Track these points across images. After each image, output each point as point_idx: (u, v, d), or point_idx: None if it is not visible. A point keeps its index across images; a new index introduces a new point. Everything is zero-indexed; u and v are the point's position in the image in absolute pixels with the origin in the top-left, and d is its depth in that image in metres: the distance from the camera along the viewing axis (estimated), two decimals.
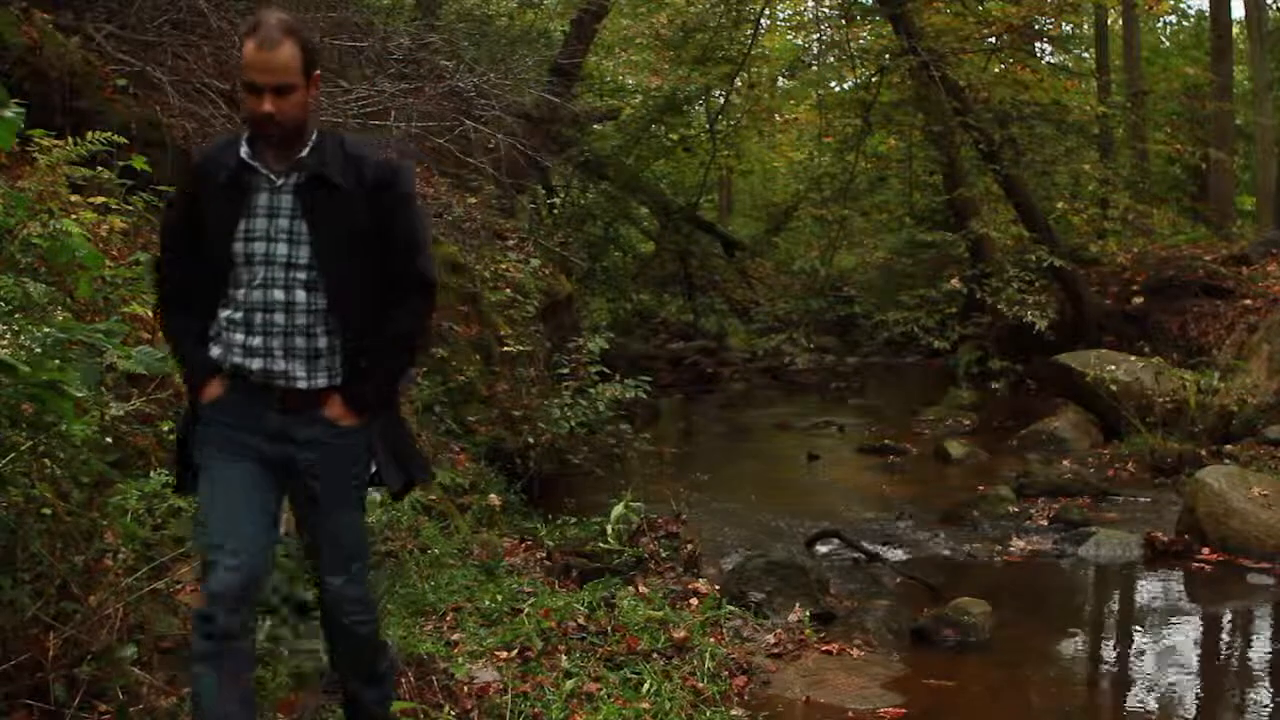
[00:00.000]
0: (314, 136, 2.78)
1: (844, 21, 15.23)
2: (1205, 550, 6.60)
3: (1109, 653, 5.39)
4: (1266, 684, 4.74)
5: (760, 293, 20.21)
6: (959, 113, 12.40)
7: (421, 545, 5.12)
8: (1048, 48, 18.48)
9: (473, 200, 9.25)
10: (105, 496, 3.42)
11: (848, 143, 15.00)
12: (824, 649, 4.92)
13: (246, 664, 2.78)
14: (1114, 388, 10.04)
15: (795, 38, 20.01)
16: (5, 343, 3.07)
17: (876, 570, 6.50)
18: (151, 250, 4.17)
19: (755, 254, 20.59)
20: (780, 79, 21.32)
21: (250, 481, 2.77)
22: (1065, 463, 9.47)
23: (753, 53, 16.25)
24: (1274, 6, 19.47)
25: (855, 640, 5.09)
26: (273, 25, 2.67)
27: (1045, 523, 7.59)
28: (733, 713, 4.09)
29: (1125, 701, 4.57)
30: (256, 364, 2.76)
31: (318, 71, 2.77)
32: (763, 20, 16.30)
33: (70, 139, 4.44)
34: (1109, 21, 19.03)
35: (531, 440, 7.47)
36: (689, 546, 6.10)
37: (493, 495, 6.61)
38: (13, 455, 2.97)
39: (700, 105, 19.06)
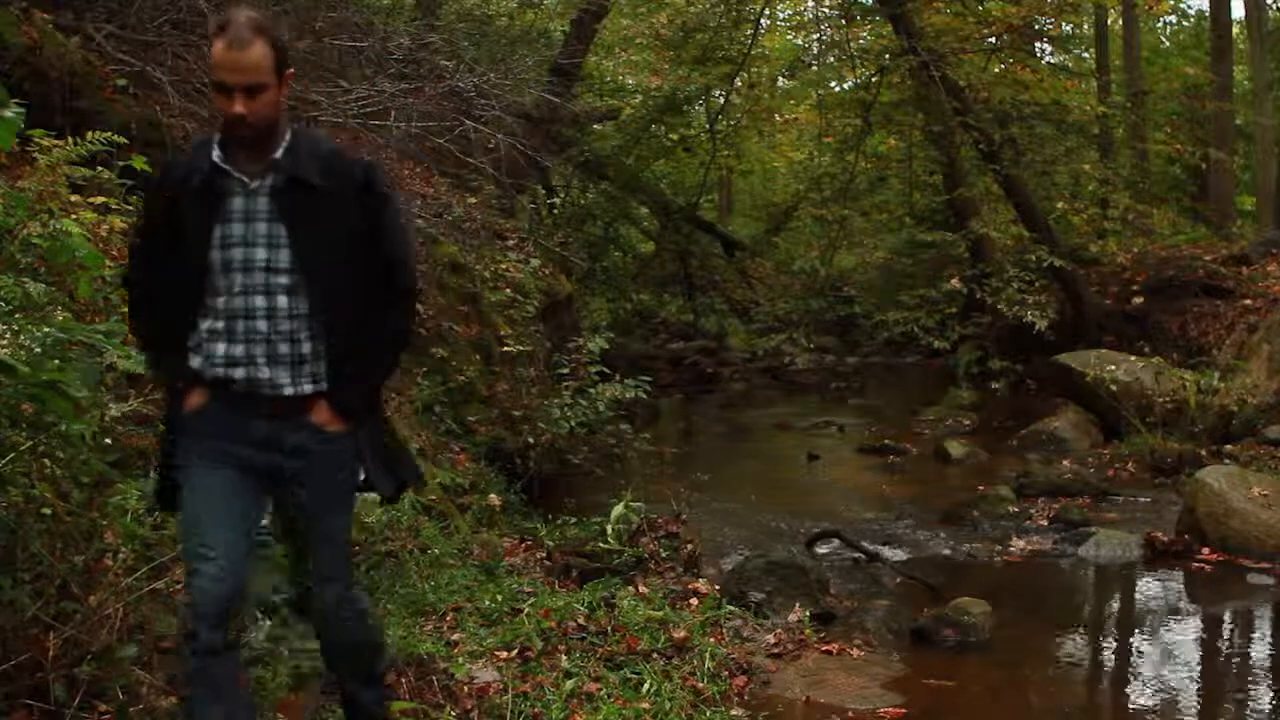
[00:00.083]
0: (287, 136, 2.71)
1: (844, 21, 15.23)
2: (1205, 550, 6.60)
3: (1109, 653, 5.39)
4: (1266, 684, 4.74)
5: (760, 293, 20.22)
6: (959, 113, 12.40)
7: (421, 545, 5.12)
8: (1048, 48, 18.50)
9: (473, 200, 9.25)
10: (105, 496, 3.42)
11: (848, 143, 15.00)
12: (824, 649, 4.92)
13: (236, 676, 2.75)
14: (1114, 388, 10.04)
15: (795, 38, 20.03)
16: (5, 343, 3.07)
17: (876, 570, 6.50)
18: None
19: (755, 254, 20.60)
20: (780, 79, 21.33)
21: (231, 489, 2.72)
22: (1065, 463, 9.47)
23: (753, 53, 16.25)
24: (1274, 6, 19.48)
25: (855, 640, 5.09)
26: (242, 23, 2.58)
27: (1045, 523, 7.59)
28: (733, 713, 4.08)
29: (1125, 701, 4.57)
30: (239, 373, 2.71)
31: (290, 70, 2.70)
32: (763, 20, 16.31)
33: (70, 139, 4.44)
34: (1109, 21, 19.03)
35: (531, 440, 7.48)
36: (689, 546, 6.10)
37: (493, 495, 6.62)
38: (12, 455, 2.97)
39: (700, 105, 19.07)
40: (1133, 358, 10.91)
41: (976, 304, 13.52)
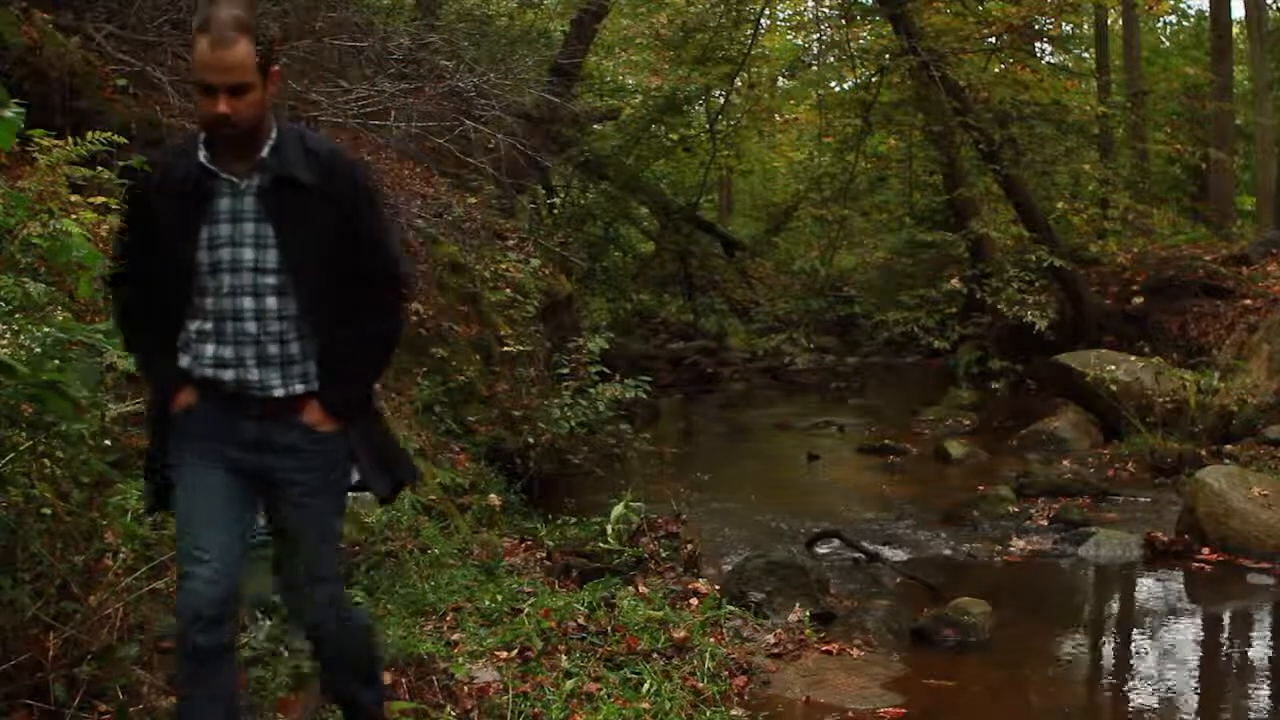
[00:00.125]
0: (274, 134, 2.66)
1: (844, 21, 15.23)
2: (1205, 550, 6.60)
3: (1109, 653, 5.39)
4: (1266, 684, 4.74)
5: (760, 293, 20.21)
6: (959, 113, 12.40)
7: (421, 545, 5.12)
8: (1048, 48, 18.49)
9: (473, 200, 9.25)
10: (105, 496, 3.43)
11: (848, 143, 15.00)
12: (824, 649, 4.92)
13: (231, 679, 2.71)
14: (1114, 388, 10.03)
15: (795, 38, 20.03)
16: (5, 343, 3.07)
17: (876, 570, 6.50)
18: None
19: (755, 254, 20.59)
20: (780, 79, 21.33)
21: (224, 490, 2.69)
22: (1065, 463, 9.46)
23: (753, 53, 16.25)
24: (1274, 6, 19.48)
25: (855, 640, 5.09)
26: (225, 21, 2.51)
27: (1045, 523, 7.59)
28: (733, 713, 4.08)
29: (1125, 701, 4.57)
30: (229, 375, 2.67)
31: (275, 67, 2.64)
32: (763, 20, 16.31)
33: (70, 139, 4.44)
34: (1109, 21, 19.03)
35: (531, 440, 7.47)
36: (689, 546, 6.10)
37: (493, 495, 6.62)
38: (12, 455, 2.97)
39: (700, 105, 19.07)
40: (1133, 358, 10.91)
41: (976, 304, 13.52)
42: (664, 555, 5.98)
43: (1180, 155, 17.53)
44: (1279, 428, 9.13)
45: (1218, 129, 17.53)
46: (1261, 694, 4.59)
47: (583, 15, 14.22)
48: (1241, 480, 6.97)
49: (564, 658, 4.26)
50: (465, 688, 3.84)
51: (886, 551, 6.85)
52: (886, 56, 13.75)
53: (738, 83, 16.98)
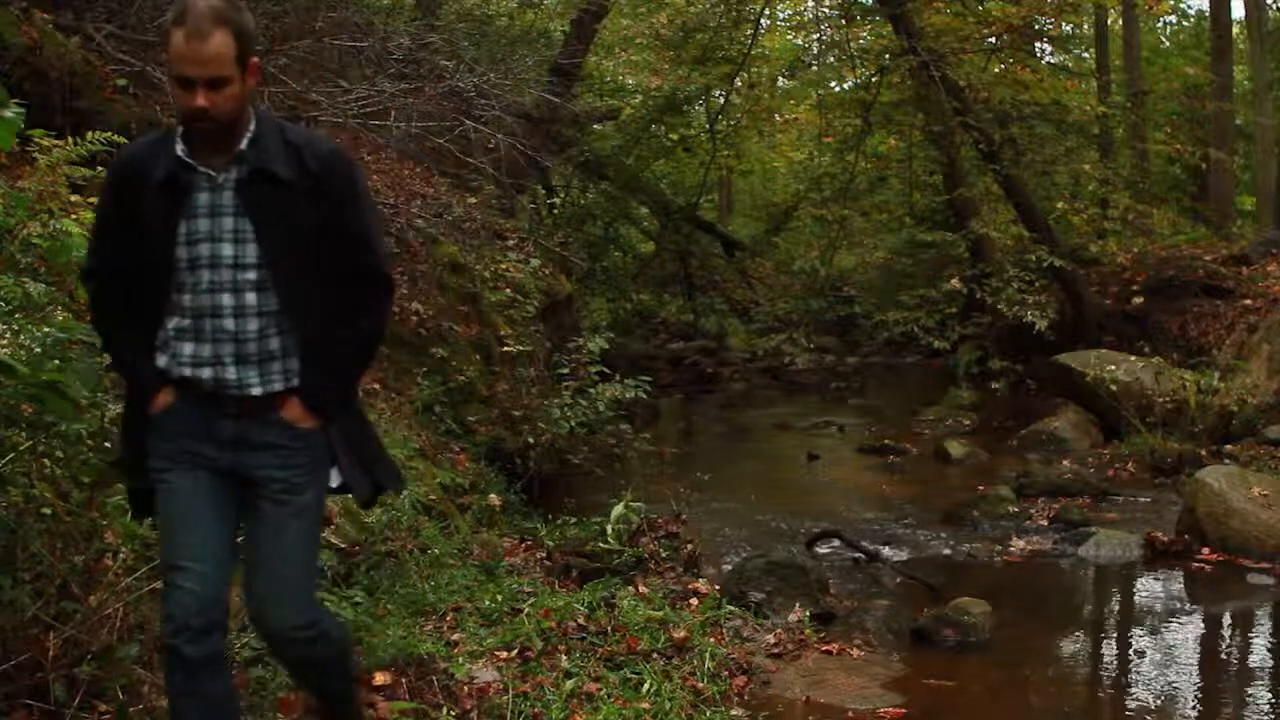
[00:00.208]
0: (252, 127, 2.59)
1: (844, 21, 15.23)
2: (1205, 550, 6.60)
3: (1109, 653, 5.39)
4: (1266, 684, 4.74)
5: (760, 293, 20.22)
6: (959, 113, 12.40)
7: (421, 545, 5.12)
8: (1048, 48, 18.50)
9: (473, 200, 9.25)
10: (105, 496, 3.42)
11: (848, 143, 15.00)
12: (824, 649, 4.91)
13: (223, 687, 2.65)
14: (1114, 388, 10.03)
15: (795, 38, 20.03)
16: (5, 343, 3.07)
17: (876, 570, 6.50)
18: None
19: (755, 254, 20.59)
20: (780, 79, 21.34)
21: (206, 493, 2.62)
22: (1065, 463, 9.46)
23: (753, 53, 16.25)
24: (1274, 6, 19.48)
25: (855, 640, 5.09)
26: (201, 12, 2.44)
27: (1045, 523, 7.59)
28: (733, 713, 4.08)
29: (1125, 701, 4.57)
30: (206, 373, 2.61)
31: (254, 59, 2.56)
32: (763, 20, 16.31)
33: (70, 139, 4.44)
34: (1109, 21, 19.04)
35: (531, 440, 7.47)
36: (689, 546, 6.10)
37: (493, 495, 6.62)
38: (12, 455, 2.97)
39: (700, 105, 19.07)
40: (1133, 358, 10.91)
41: (976, 304, 13.52)
42: (664, 555, 5.98)
43: (1180, 155, 17.53)
44: (1279, 428, 9.14)
45: (1218, 129, 17.53)
46: (1261, 694, 4.59)
47: (583, 15, 14.23)
48: (1241, 480, 6.97)
49: (564, 658, 4.26)
50: (465, 688, 3.84)
51: (886, 551, 6.85)
52: (886, 56, 13.75)
53: (738, 83, 16.98)
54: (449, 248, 8.25)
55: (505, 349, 8.08)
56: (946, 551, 7.02)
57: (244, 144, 2.57)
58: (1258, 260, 12.88)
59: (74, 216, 4.13)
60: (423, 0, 12.64)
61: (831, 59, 17.10)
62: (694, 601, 5.20)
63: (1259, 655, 5.26)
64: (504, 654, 4.20)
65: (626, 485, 6.77)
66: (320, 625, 2.72)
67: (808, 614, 5.26)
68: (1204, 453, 8.87)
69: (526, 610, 4.62)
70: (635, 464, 8.17)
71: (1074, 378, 10.82)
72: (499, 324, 8.23)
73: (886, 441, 10.93)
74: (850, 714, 4.28)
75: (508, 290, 8.51)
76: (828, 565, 6.37)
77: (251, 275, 2.58)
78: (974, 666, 4.90)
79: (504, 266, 8.78)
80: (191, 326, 2.60)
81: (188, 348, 2.61)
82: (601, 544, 5.98)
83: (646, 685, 4.09)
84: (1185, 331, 12.02)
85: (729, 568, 6.07)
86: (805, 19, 17.72)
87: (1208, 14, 18.71)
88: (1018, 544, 7.04)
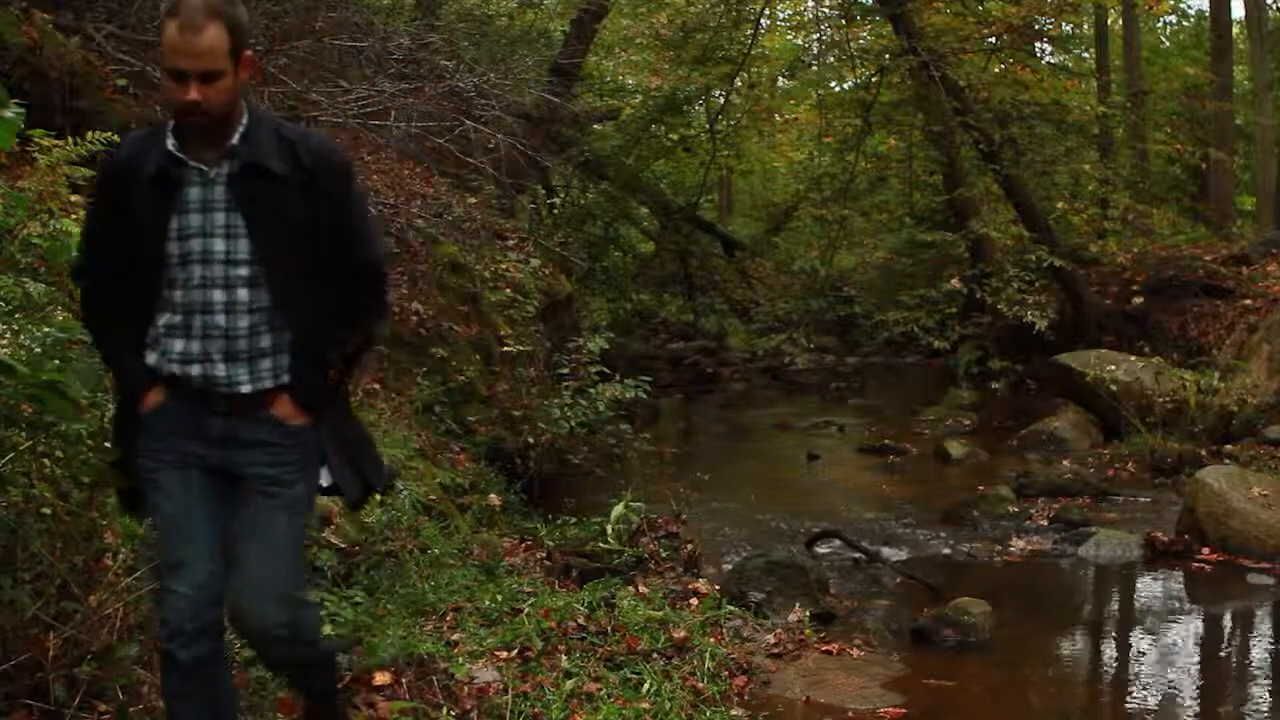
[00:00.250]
0: (245, 121, 2.55)
1: (844, 21, 15.23)
2: (1205, 550, 6.60)
3: (1109, 653, 5.39)
4: (1266, 684, 4.74)
5: (760, 293, 20.22)
6: (959, 113, 12.40)
7: (421, 545, 5.12)
8: (1048, 48, 18.50)
9: (473, 200, 9.25)
10: (105, 496, 3.42)
11: (848, 143, 15.00)
12: (824, 649, 4.91)
13: (220, 690, 2.64)
14: (1114, 388, 10.04)
15: (795, 38, 20.03)
16: (5, 343, 3.07)
17: (876, 570, 6.49)
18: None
19: (755, 254, 20.59)
20: (780, 79, 21.34)
21: (198, 495, 2.60)
22: (1065, 463, 9.47)
23: (753, 53, 16.25)
24: (1274, 6, 19.48)
25: (855, 640, 5.09)
26: (195, 5, 2.41)
27: (1045, 523, 7.59)
28: (733, 713, 4.08)
29: (1125, 701, 4.57)
30: (196, 370, 2.58)
31: (248, 52, 2.53)
32: (763, 20, 16.31)
33: (70, 139, 4.44)
34: (1109, 21, 19.04)
35: (531, 440, 7.47)
36: (689, 546, 6.10)
37: (493, 495, 6.62)
38: (12, 455, 2.96)
39: (700, 105, 19.07)
40: (1133, 358, 10.91)
41: (976, 304, 13.52)
42: (664, 555, 5.98)
43: (1180, 155, 17.53)
44: (1279, 428, 9.14)
45: (1218, 129, 17.53)
46: (1261, 694, 4.59)
47: (583, 15, 14.23)
48: (1241, 480, 6.97)
49: (564, 658, 4.26)
50: (465, 688, 3.84)
51: (886, 551, 6.85)
52: (886, 56, 13.75)
53: (738, 83, 16.99)
54: (449, 248, 8.26)
55: (505, 349, 8.08)
56: (946, 551, 7.02)
57: (236, 138, 2.54)
58: (1258, 260, 12.88)
59: (74, 216, 4.13)
60: (423, 0, 12.64)
61: (831, 59, 17.10)
62: (694, 601, 5.20)
63: (1259, 655, 5.26)
64: (504, 654, 4.20)
65: (626, 485, 6.77)
66: (302, 625, 2.66)
67: (808, 614, 5.26)
68: (1204, 453, 8.87)
69: (526, 610, 4.62)
70: (635, 464, 8.17)
71: (1074, 378, 10.82)
72: (499, 324, 8.23)
73: (886, 441, 10.93)
74: (850, 714, 4.28)
75: (508, 290, 8.51)
76: (828, 565, 6.37)
77: (243, 271, 2.55)
78: (974, 666, 4.90)
79: (504, 266, 8.78)
80: (182, 323, 2.57)
81: (177, 344, 2.58)
82: (601, 544, 5.98)
83: (646, 685, 4.09)
84: (1185, 331, 12.03)
85: (729, 568, 6.07)
86: (805, 19, 17.73)
87: (1208, 14, 18.72)
88: (1018, 544, 7.05)
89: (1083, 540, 6.92)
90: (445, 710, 3.66)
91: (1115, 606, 6.36)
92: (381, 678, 3.73)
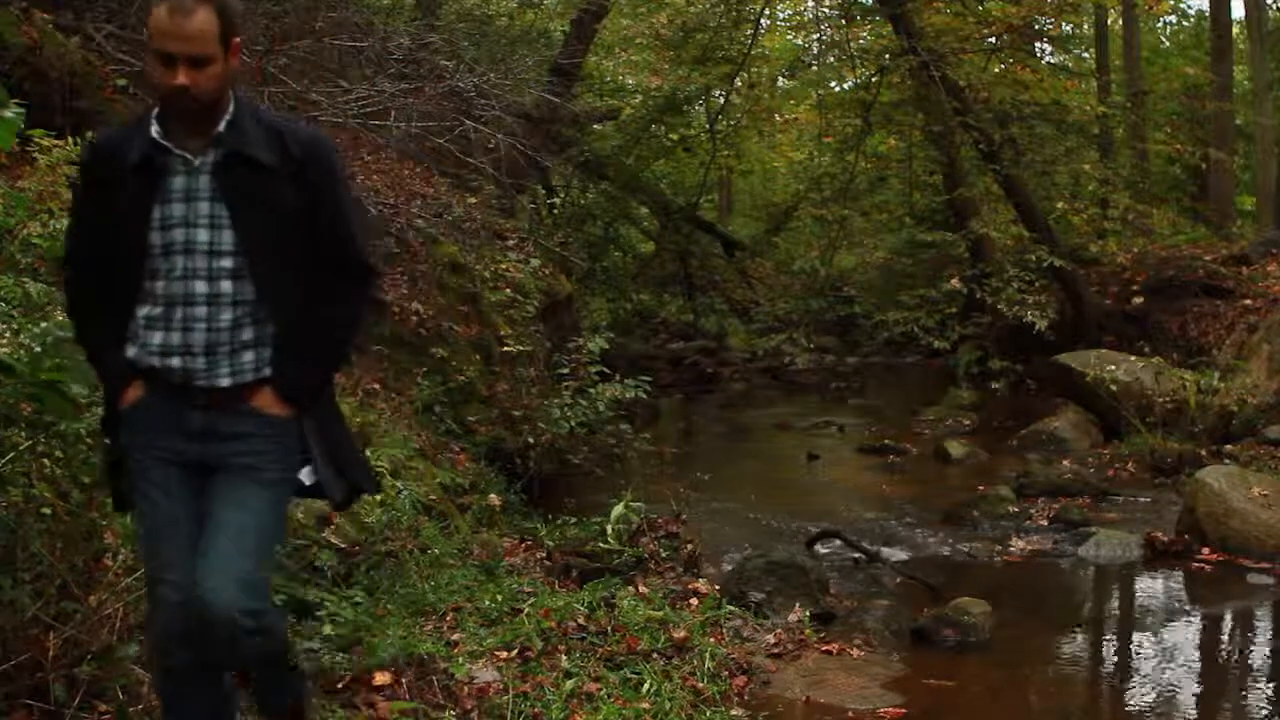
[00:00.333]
0: (231, 109, 2.50)
1: (844, 21, 15.23)
2: (1205, 550, 6.59)
3: (1109, 653, 5.39)
4: (1266, 684, 4.74)
5: (760, 293, 20.21)
6: (959, 113, 12.40)
7: (421, 545, 5.12)
8: (1048, 48, 18.50)
9: (473, 200, 9.25)
10: (105, 496, 3.42)
11: (848, 143, 15.00)
12: (824, 649, 4.91)
13: (216, 692, 2.61)
14: (1114, 388, 10.03)
15: (795, 38, 20.03)
16: (4, 342, 3.07)
17: (876, 570, 6.49)
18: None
19: (755, 254, 20.59)
20: (780, 79, 21.34)
21: (180, 496, 2.55)
22: (1065, 463, 9.46)
23: (753, 53, 16.25)
24: (1274, 6, 19.48)
25: (855, 640, 5.08)
26: None
27: (1045, 523, 7.59)
28: (733, 713, 4.08)
29: (1125, 701, 4.57)
30: (175, 362, 2.52)
31: (237, 39, 2.48)
32: (763, 20, 16.31)
33: (70, 139, 4.44)
34: (1109, 21, 19.04)
35: (531, 440, 7.47)
36: (689, 546, 6.09)
37: (493, 495, 6.62)
38: (12, 455, 2.96)
39: (700, 105, 19.07)
40: (1133, 358, 10.91)
41: (976, 304, 13.52)
42: (664, 555, 5.97)
43: (1180, 155, 17.53)
44: (1279, 428, 9.13)
45: (1218, 129, 17.53)
46: (1261, 694, 4.59)
47: (583, 15, 14.23)
48: (1241, 480, 6.97)
49: (564, 658, 4.26)
50: (465, 688, 3.84)
51: (886, 551, 6.85)
52: (886, 56, 13.75)
53: (738, 83, 16.98)
54: (449, 248, 8.26)
55: (505, 349, 8.08)
56: (946, 551, 7.02)
57: (222, 126, 2.49)
58: (1258, 260, 12.88)
59: None
60: (423, 0, 12.64)
61: (831, 59, 17.10)
62: (694, 601, 5.20)
63: (1259, 655, 5.25)
64: (504, 654, 4.20)
65: (626, 485, 6.76)
66: (267, 620, 2.54)
67: (808, 614, 5.26)
68: (1204, 453, 8.87)
69: (526, 610, 4.62)
70: (635, 464, 8.17)
71: (1074, 378, 10.82)
72: (499, 324, 8.23)
73: (886, 441, 10.92)
74: (850, 714, 4.28)
75: (508, 290, 8.51)
76: (828, 565, 6.36)
77: (227, 263, 2.50)
78: (974, 666, 4.90)
79: (504, 266, 8.78)
80: (162, 315, 2.52)
81: (156, 336, 2.53)
82: (601, 544, 5.97)
83: (646, 685, 4.09)
84: (1185, 331, 12.03)
85: (729, 568, 6.07)
86: (805, 19, 17.73)
87: (1208, 14, 18.72)
88: (1018, 544, 7.04)
89: (1083, 540, 6.92)
90: (445, 710, 3.66)
91: (1115, 606, 6.36)
92: (381, 678, 3.73)
